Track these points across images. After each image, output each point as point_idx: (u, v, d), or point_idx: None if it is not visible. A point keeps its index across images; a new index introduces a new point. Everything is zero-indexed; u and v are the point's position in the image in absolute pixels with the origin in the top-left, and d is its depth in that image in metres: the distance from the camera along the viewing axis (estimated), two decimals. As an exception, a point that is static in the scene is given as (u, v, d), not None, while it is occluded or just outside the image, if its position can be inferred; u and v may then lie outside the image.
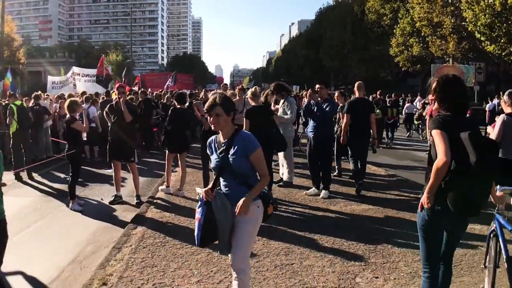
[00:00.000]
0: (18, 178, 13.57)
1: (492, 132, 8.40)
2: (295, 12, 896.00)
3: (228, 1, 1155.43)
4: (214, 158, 5.00)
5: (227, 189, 4.90)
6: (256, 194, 4.81)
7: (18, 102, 14.61)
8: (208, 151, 5.17)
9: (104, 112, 11.61)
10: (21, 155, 14.03)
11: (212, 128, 4.86)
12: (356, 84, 11.88)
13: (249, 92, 11.53)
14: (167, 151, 11.69)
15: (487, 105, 30.51)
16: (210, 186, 4.93)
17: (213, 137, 5.15)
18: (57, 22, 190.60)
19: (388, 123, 22.55)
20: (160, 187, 11.74)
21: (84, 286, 6.17)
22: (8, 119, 13.97)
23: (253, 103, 10.92)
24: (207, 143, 5.15)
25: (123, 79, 31.14)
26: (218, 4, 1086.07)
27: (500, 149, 7.46)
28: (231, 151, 4.78)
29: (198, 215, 4.79)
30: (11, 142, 14.26)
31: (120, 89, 11.03)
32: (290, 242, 7.62)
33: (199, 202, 4.84)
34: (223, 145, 4.89)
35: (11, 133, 14.18)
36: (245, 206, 4.66)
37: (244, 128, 9.82)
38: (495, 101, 27.40)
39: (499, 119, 8.25)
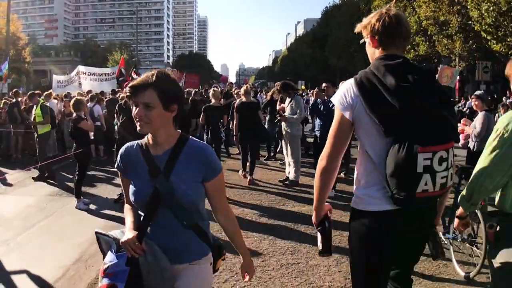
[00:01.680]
0: (51, 176, 13.55)
1: (474, 128, 9.16)
2: (301, 11, 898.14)
3: (234, 0, 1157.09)
4: (139, 183, 3.01)
5: (162, 235, 2.99)
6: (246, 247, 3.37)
7: (43, 101, 14.52)
8: (121, 168, 3.25)
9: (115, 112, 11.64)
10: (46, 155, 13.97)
11: (138, 128, 2.94)
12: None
13: (242, 90, 13.32)
14: None
15: (467, 103, 32.60)
16: (134, 232, 2.93)
17: (130, 144, 3.27)
18: (62, 21, 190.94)
19: None
20: None
21: (89, 285, 6.19)
22: (44, 118, 13.56)
23: (244, 99, 12.44)
24: (120, 154, 3.27)
25: (130, 78, 31.13)
26: (224, 3, 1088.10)
27: (475, 144, 9.11)
28: (176, 171, 2.92)
29: (108, 280, 2.82)
30: (39, 142, 13.82)
31: None
32: (296, 241, 7.61)
33: (114, 259, 2.88)
34: (160, 160, 2.97)
35: (41, 133, 13.72)
36: (252, 269, 3.40)
37: (234, 121, 12.03)
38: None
39: (481, 116, 9.06)
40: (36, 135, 13.91)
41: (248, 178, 12.29)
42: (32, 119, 14.12)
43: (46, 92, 17.37)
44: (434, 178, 2.87)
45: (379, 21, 3.16)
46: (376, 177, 3.06)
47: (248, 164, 12.47)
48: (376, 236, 3.13)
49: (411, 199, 2.90)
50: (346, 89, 3.10)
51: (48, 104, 14.15)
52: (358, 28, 3.39)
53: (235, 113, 12.44)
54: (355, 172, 3.37)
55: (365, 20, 3.33)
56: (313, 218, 3.48)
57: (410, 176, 2.85)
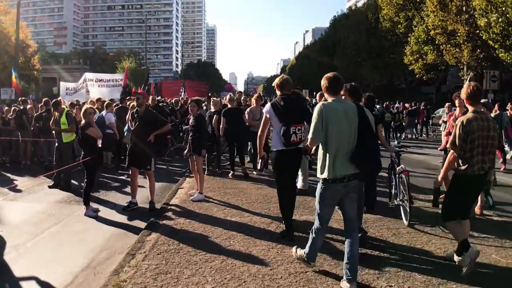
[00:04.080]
0: (66, 187, 13.40)
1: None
2: (310, 20, 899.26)
3: (243, 9, 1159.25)
4: None
5: None
6: None
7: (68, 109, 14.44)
8: None
9: (128, 119, 11.71)
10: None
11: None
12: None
13: (226, 98, 17.07)
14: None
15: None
16: None
17: None
18: (72, 28, 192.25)
19: (396, 125, 29.49)
20: (193, 196, 11.68)
21: (98, 292, 6.18)
22: (70, 127, 13.48)
23: (229, 105, 15.47)
24: None
25: (145, 87, 31.38)
26: (233, 12, 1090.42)
27: None
28: None
29: None
30: (63, 150, 13.69)
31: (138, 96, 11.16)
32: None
33: None
34: None
35: (66, 141, 13.63)
36: None
37: (221, 124, 14.69)
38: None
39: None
40: (57, 143, 13.76)
41: (243, 171, 14.81)
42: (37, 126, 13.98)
43: (45, 99, 17.33)
44: (296, 135, 7.91)
45: (280, 81, 8.37)
46: (278, 137, 8.00)
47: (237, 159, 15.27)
48: (279, 159, 8.22)
49: (289, 142, 7.88)
50: (268, 106, 8.24)
51: (71, 112, 14.10)
52: (273, 84, 8.64)
53: (222, 117, 14.67)
54: (273, 135, 8.62)
55: (276, 80, 8.50)
56: (258, 156, 8.88)
57: (288, 134, 7.84)
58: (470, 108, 6.90)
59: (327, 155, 6.07)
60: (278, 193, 8.71)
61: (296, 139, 7.85)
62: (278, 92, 8.41)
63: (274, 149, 8.23)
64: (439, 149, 13.76)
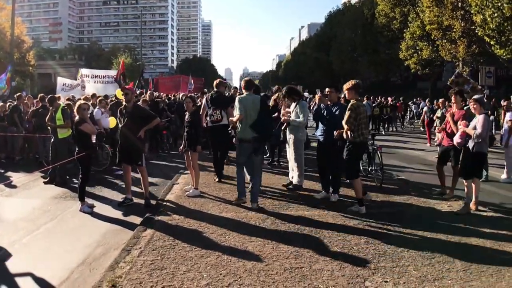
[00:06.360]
0: (62, 182, 13.41)
1: (475, 129, 9.80)
2: (305, 15, 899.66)
3: (238, 5, 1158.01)
4: None
5: None
6: None
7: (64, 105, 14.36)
8: None
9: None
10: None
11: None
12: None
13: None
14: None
15: (421, 104, 37.15)
16: None
17: None
18: (67, 24, 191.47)
19: (384, 118, 32.75)
20: (188, 192, 11.70)
21: (93, 288, 6.18)
22: (65, 123, 13.42)
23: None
24: None
25: (140, 83, 31.27)
26: (228, 8, 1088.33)
27: (475, 144, 9.79)
28: None
29: None
30: (59, 146, 13.59)
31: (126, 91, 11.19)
32: (300, 245, 7.60)
33: None
34: None
35: (61, 137, 13.57)
36: None
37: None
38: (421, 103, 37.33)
39: (482, 119, 9.75)
40: (52, 139, 13.72)
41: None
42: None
43: (41, 95, 17.22)
44: (214, 116, 12.83)
45: (216, 83, 13.35)
46: (210, 117, 12.93)
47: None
48: (212, 134, 13.33)
49: (212, 121, 12.87)
50: (205, 97, 14.64)
51: (67, 108, 14.02)
52: (214, 84, 13.46)
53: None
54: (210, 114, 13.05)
55: (214, 82, 13.48)
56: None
57: (211, 115, 12.87)
58: (354, 97, 9.87)
59: (241, 126, 10.11)
60: (213, 156, 13.87)
61: (214, 119, 12.84)
62: (215, 89, 13.25)
63: (208, 125, 13.20)
64: (435, 144, 14.21)
